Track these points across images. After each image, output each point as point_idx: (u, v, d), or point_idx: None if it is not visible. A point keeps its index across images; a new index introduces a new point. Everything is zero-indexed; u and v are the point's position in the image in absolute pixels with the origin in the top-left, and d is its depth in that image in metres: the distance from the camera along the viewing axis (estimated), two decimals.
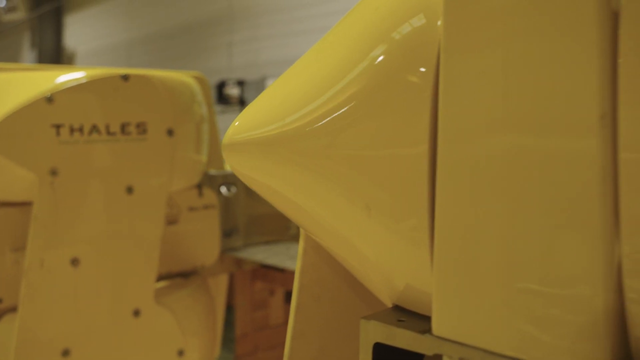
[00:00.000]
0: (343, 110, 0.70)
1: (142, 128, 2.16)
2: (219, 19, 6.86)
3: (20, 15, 9.13)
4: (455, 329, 0.61)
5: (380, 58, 0.66)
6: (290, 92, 0.79)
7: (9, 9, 8.94)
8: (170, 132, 2.21)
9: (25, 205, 2.11)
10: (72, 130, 2.04)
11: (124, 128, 2.14)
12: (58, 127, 2.02)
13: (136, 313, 2.22)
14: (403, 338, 0.67)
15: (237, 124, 0.87)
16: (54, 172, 2.02)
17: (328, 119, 0.71)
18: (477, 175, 0.57)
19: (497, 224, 0.56)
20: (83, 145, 2.07)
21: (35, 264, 2.00)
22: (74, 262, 2.08)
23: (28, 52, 10.30)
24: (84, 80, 2.07)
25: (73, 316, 2.08)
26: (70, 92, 2.04)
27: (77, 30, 9.76)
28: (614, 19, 0.47)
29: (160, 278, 2.44)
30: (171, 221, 2.55)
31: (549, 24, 0.51)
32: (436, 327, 0.63)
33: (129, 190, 2.16)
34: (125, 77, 2.13)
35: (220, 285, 3.00)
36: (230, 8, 6.80)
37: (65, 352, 2.07)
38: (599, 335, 0.50)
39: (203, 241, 2.65)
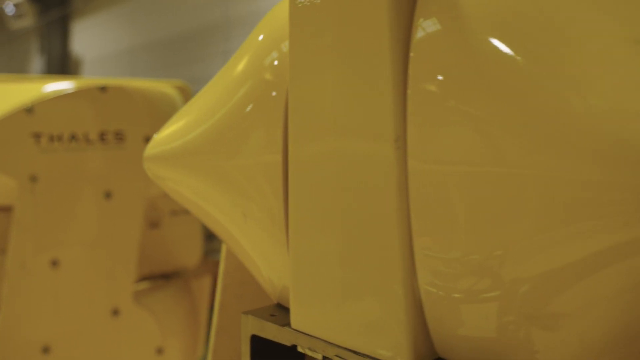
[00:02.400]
0: (220, 129, 0.81)
1: (120, 136, 2.27)
2: (216, 27, 7.03)
3: (28, 22, 9.35)
4: (306, 323, 0.71)
5: (248, 88, 0.77)
6: (192, 113, 0.90)
7: (18, 16, 9.17)
8: (148, 140, 2.32)
9: (7, 210, 2.23)
10: (51, 139, 2.16)
11: (102, 136, 2.25)
12: (38, 136, 2.14)
13: (115, 312, 2.33)
14: (270, 330, 0.77)
15: (155, 137, 0.98)
16: (34, 179, 2.14)
17: (211, 136, 0.82)
18: (312, 178, 0.67)
19: (328, 224, 0.66)
20: (63, 153, 2.19)
21: (16, 265, 2.13)
22: (54, 263, 2.20)
23: (37, 59, 10.53)
24: (63, 92, 2.20)
25: (53, 315, 2.20)
26: (49, 103, 2.16)
27: (84, 38, 9.96)
28: (405, 63, 0.57)
29: (142, 279, 2.55)
30: (153, 224, 2.66)
31: (361, 63, 0.60)
32: (293, 321, 0.73)
33: (108, 195, 2.28)
34: (103, 89, 2.25)
35: (204, 287, 3.10)
36: (226, 17, 6.98)
37: (45, 349, 2.18)
38: (404, 330, 0.60)
39: (185, 244, 2.75)
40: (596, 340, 0.50)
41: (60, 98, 2.20)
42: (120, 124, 2.28)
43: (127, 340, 2.36)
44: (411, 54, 0.57)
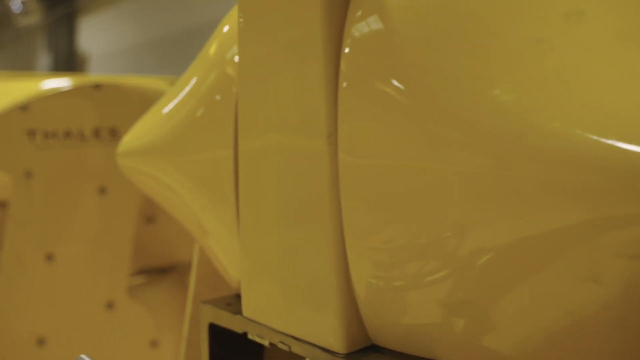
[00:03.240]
0: (181, 127, 0.84)
1: (114, 133, 2.32)
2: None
3: (35, 19, 9.44)
4: (255, 311, 0.75)
5: (206, 88, 0.81)
6: (159, 111, 0.94)
7: (25, 13, 9.25)
8: None
9: (3, 205, 2.28)
10: (46, 135, 2.21)
11: (96, 133, 2.30)
12: (33, 133, 2.19)
13: (109, 305, 2.37)
14: (223, 318, 0.80)
15: (127, 134, 1.03)
16: (29, 175, 2.18)
17: (173, 134, 0.86)
18: (258, 172, 0.70)
19: (271, 217, 0.70)
20: (57, 149, 2.24)
21: (12, 259, 2.18)
22: (49, 258, 2.25)
23: (44, 56, 10.63)
24: (57, 90, 2.25)
25: (48, 308, 2.25)
26: (44, 100, 2.21)
27: (90, 35, 10.04)
28: (337, 66, 0.61)
29: (138, 273, 2.60)
30: (149, 219, 2.70)
31: (298, 65, 0.64)
32: (244, 310, 0.77)
33: (102, 191, 2.32)
34: (98, 86, 2.29)
35: None
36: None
37: (40, 341, 2.24)
38: (338, 318, 0.63)
39: (180, 239, 2.79)
40: (512, 329, 0.53)
41: (55, 96, 2.25)
42: (115, 121, 2.32)
43: (121, 333, 2.41)
44: (342, 58, 0.60)
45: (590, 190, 0.41)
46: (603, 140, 0.41)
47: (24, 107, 2.17)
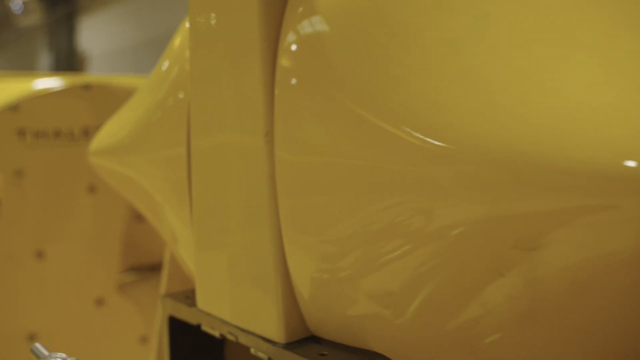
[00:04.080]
0: (142, 127, 0.88)
1: None
2: None
3: (35, 19, 9.49)
4: (208, 304, 0.78)
5: (165, 88, 0.85)
6: (123, 113, 0.98)
7: (25, 13, 9.30)
8: None
9: None
10: (36, 135, 2.25)
11: (86, 132, 2.33)
12: (23, 132, 2.23)
13: (99, 302, 2.41)
14: (180, 311, 0.84)
15: (97, 135, 1.06)
16: (19, 174, 2.22)
17: (135, 134, 0.90)
18: (207, 169, 0.74)
19: (218, 213, 0.73)
20: (47, 149, 2.28)
21: (2, 256, 2.22)
22: (40, 255, 2.29)
23: (45, 56, 10.67)
24: (47, 90, 2.29)
25: (38, 304, 2.29)
26: (34, 101, 2.25)
27: (90, 34, 10.09)
28: (273, 69, 0.64)
29: (128, 270, 2.64)
30: (140, 217, 2.74)
31: (239, 69, 0.67)
32: (198, 302, 0.80)
33: (92, 189, 2.36)
34: (87, 87, 2.33)
35: None
36: None
37: (31, 337, 2.28)
38: (277, 310, 0.67)
39: None
40: (430, 319, 0.56)
41: (45, 96, 2.29)
42: (104, 121, 2.34)
43: (111, 329, 2.45)
44: (277, 64, 0.64)
45: (489, 186, 0.44)
46: (501, 136, 0.44)
47: (14, 107, 2.21)
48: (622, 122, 0.39)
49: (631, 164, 0.38)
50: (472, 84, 0.46)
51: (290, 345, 0.66)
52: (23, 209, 2.24)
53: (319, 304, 0.65)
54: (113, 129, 1.00)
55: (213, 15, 0.71)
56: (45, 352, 0.67)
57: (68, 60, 10.37)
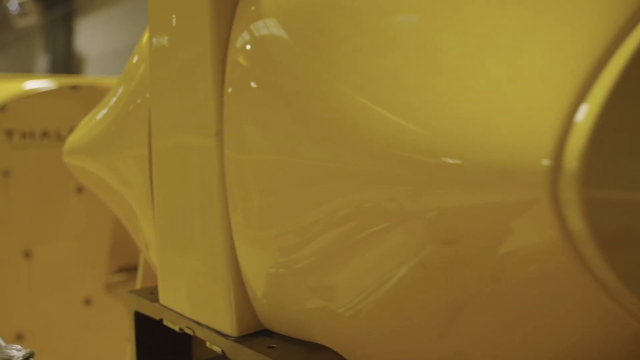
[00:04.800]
0: (110, 127, 0.91)
1: None
2: None
3: (32, 20, 9.52)
4: (169, 299, 0.80)
5: (131, 90, 0.87)
6: (95, 114, 1.00)
7: (22, 14, 9.34)
8: None
9: None
10: (23, 135, 2.27)
11: None
12: (10, 133, 2.24)
13: (87, 302, 2.43)
14: (144, 307, 0.86)
15: (71, 136, 1.08)
16: (7, 174, 2.24)
17: (104, 134, 0.92)
18: (166, 168, 0.76)
19: (175, 210, 0.75)
20: (35, 149, 2.30)
21: None
22: (27, 254, 2.30)
23: (42, 57, 10.71)
24: (35, 91, 2.30)
25: (26, 303, 2.31)
26: (21, 101, 2.27)
27: (87, 35, 10.12)
28: (223, 73, 0.66)
29: (118, 271, 2.66)
30: None
31: (193, 73, 0.69)
32: (160, 298, 0.82)
33: (80, 190, 2.38)
34: (75, 87, 2.35)
35: None
36: None
37: (19, 336, 2.29)
38: (229, 304, 0.69)
39: None
40: (366, 313, 0.58)
41: (32, 97, 2.30)
42: None
43: (99, 329, 2.47)
44: (227, 67, 0.66)
45: (407, 182, 0.46)
46: (418, 134, 0.46)
47: (1, 108, 2.23)
48: (532, 119, 0.41)
49: (543, 160, 0.39)
50: (395, 85, 0.48)
51: (241, 339, 0.68)
52: (10, 210, 2.26)
53: (269, 299, 0.67)
54: (85, 131, 1.02)
55: (169, 17, 0.73)
56: (2, 343, 0.68)
57: (65, 61, 10.39)
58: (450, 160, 0.44)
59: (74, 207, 2.37)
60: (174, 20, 0.72)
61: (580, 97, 0.40)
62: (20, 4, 9.40)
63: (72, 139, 1.06)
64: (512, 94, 0.42)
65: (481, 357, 0.56)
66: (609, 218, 0.41)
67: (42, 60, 11.00)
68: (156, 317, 0.83)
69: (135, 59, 0.89)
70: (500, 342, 0.54)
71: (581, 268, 0.41)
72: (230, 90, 0.65)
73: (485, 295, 0.49)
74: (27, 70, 11.66)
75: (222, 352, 0.70)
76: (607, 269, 0.41)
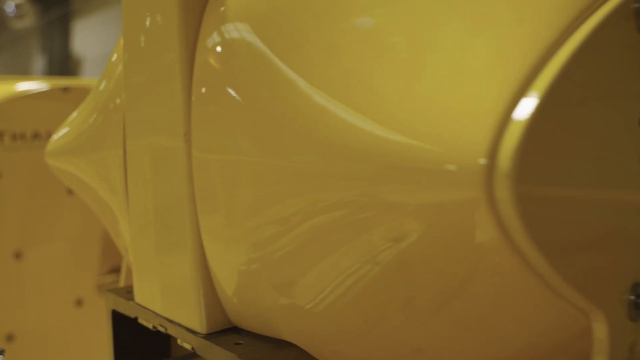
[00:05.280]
0: (89, 128, 0.92)
1: None
2: None
3: (29, 22, 9.53)
4: (143, 298, 0.82)
5: (109, 93, 0.89)
6: (75, 117, 1.02)
7: (19, 16, 9.35)
8: None
9: None
10: (14, 137, 2.28)
11: None
12: (1, 135, 2.26)
13: (78, 302, 2.44)
14: (121, 305, 0.87)
15: (53, 137, 1.10)
16: None
17: (84, 135, 0.94)
18: (139, 168, 0.77)
19: (148, 209, 0.76)
20: (26, 151, 2.31)
21: None
22: (18, 255, 2.31)
23: (39, 59, 10.72)
24: (26, 93, 2.32)
25: (17, 304, 2.32)
26: (12, 103, 2.28)
27: (84, 37, 10.13)
28: (191, 77, 0.67)
29: (110, 271, 2.67)
30: None
31: (162, 77, 0.71)
32: (136, 296, 0.84)
33: (70, 191, 2.39)
34: (66, 89, 2.37)
35: None
36: None
37: (9, 337, 2.30)
38: (199, 302, 0.70)
39: None
40: (326, 309, 0.59)
41: (23, 98, 2.32)
42: None
43: (90, 330, 2.48)
44: (195, 69, 0.67)
45: (357, 180, 0.48)
46: (368, 134, 0.47)
47: None
48: (472, 119, 0.42)
49: (480, 160, 0.41)
50: (346, 87, 0.50)
51: (210, 336, 0.70)
52: (1, 211, 2.27)
53: (237, 297, 0.68)
54: (66, 130, 1.03)
55: (142, 20, 0.74)
56: None
57: (62, 63, 10.40)
58: (394, 160, 0.45)
59: (65, 208, 2.39)
60: (145, 23, 0.73)
61: (518, 98, 0.41)
62: (17, 6, 9.41)
63: (54, 140, 1.08)
64: (454, 95, 0.44)
65: (440, 352, 0.58)
66: (546, 214, 0.43)
67: (39, 62, 11.01)
68: (132, 315, 0.84)
69: (114, 58, 0.91)
70: (456, 338, 0.55)
71: (521, 264, 0.43)
72: (197, 92, 0.66)
73: (437, 292, 0.50)
74: (24, 72, 11.67)
75: (192, 348, 0.71)
76: (545, 264, 0.43)
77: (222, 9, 0.65)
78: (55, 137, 1.08)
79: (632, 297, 0.53)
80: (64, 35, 10.42)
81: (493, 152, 0.39)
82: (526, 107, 0.40)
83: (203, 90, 0.65)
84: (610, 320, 0.50)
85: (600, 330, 0.50)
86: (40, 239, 2.34)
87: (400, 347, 0.58)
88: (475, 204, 0.40)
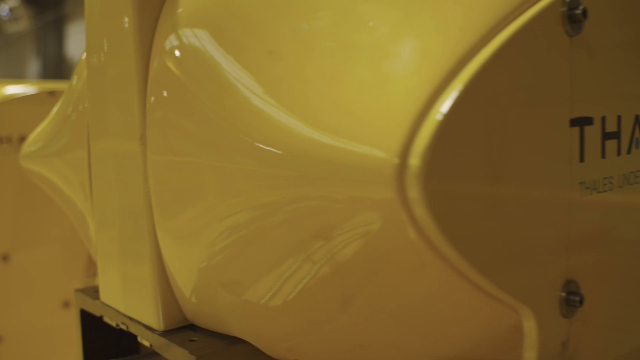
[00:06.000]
0: (56, 131, 0.94)
1: None
2: None
3: (23, 25, 9.55)
4: (108, 296, 0.83)
5: (76, 96, 0.90)
6: (48, 120, 1.04)
7: (13, 19, 9.37)
8: None
9: None
10: (0, 140, 2.30)
11: None
12: None
13: (65, 305, 2.45)
14: (88, 304, 0.89)
15: (27, 140, 1.11)
16: None
17: (50, 138, 0.96)
18: (101, 170, 0.79)
19: (110, 211, 0.78)
20: (12, 154, 2.32)
21: None
22: (5, 257, 2.33)
23: (33, 62, 10.74)
24: (11, 96, 2.33)
25: (4, 306, 2.33)
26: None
27: (78, 40, 10.15)
28: (146, 82, 0.69)
29: (95, 274, 2.68)
30: None
31: (120, 81, 0.72)
32: (101, 295, 0.85)
33: None
34: (52, 93, 2.38)
35: None
36: None
37: None
38: (155, 300, 0.72)
39: None
40: (274, 308, 0.60)
41: (10, 102, 2.33)
42: None
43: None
44: (149, 74, 0.69)
45: (288, 181, 0.50)
46: (295, 136, 0.49)
47: None
48: (390, 121, 0.44)
49: (394, 160, 0.42)
50: (278, 91, 0.52)
51: (167, 333, 0.71)
52: None
53: (191, 295, 0.70)
54: (38, 135, 1.05)
55: (103, 22, 0.76)
56: None
57: (56, 66, 10.41)
58: (319, 162, 0.47)
59: (52, 211, 2.40)
60: (104, 26, 0.75)
61: (434, 99, 0.43)
62: (11, 9, 9.43)
63: (27, 143, 1.09)
64: (376, 98, 0.45)
65: (381, 348, 0.59)
66: (465, 212, 0.44)
67: (33, 65, 11.02)
68: (97, 313, 0.86)
69: (84, 56, 0.92)
70: (395, 334, 0.57)
71: (440, 262, 0.45)
72: (151, 95, 0.68)
73: (368, 288, 0.52)
74: (18, 75, 11.67)
75: (151, 345, 0.73)
76: (462, 261, 0.44)
77: (174, 15, 0.67)
78: (30, 138, 1.09)
79: (564, 294, 0.55)
80: (58, 39, 10.43)
81: (406, 152, 0.41)
82: (441, 108, 0.42)
83: (156, 93, 0.67)
84: (538, 316, 0.51)
85: (528, 326, 0.52)
86: (27, 242, 2.36)
87: (345, 344, 0.60)
88: (391, 203, 0.42)
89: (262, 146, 0.51)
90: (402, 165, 0.41)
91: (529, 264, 0.51)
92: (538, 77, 0.51)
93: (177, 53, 0.65)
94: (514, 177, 0.48)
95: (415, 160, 0.41)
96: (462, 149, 0.43)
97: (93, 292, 0.91)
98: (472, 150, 0.44)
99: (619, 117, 0.61)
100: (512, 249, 0.50)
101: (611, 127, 0.60)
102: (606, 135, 0.59)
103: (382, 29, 0.48)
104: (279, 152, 0.49)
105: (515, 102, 0.49)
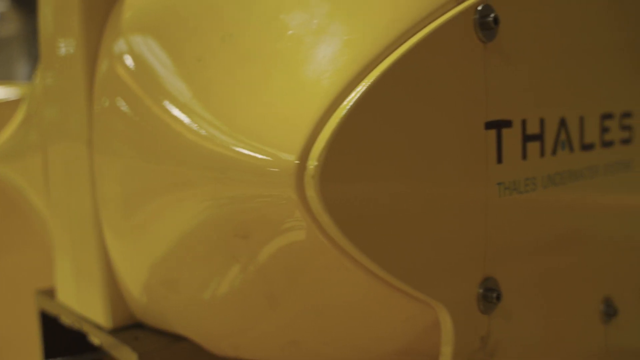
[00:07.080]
0: (13, 134, 0.96)
1: None
2: None
3: (13, 28, 9.55)
4: (64, 296, 0.85)
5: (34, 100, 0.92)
6: (12, 122, 1.06)
7: (2, 22, 9.39)
8: None
9: None
10: None
11: None
12: None
13: None
14: (46, 304, 0.91)
15: None
16: None
17: (12, 141, 0.98)
18: (56, 176, 0.81)
19: (63, 214, 0.80)
20: None
21: None
22: None
23: (23, 65, 10.75)
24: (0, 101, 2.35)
25: None
26: None
27: None
28: (92, 89, 0.71)
29: None
30: None
31: (67, 85, 0.75)
32: (59, 295, 0.87)
33: None
34: None
35: None
36: None
37: None
38: (103, 300, 0.74)
39: None
40: (209, 306, 0.63)
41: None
42: None
43: None
44: (96, 79, 0.71)
45: (207, 182, 0.52)
46: (213, 139, 0.51)
47: None
48: (296, 126, 0.46)
49: (295, 160, 0.45)
50: (206, 97, 0.54)
51: (114, 331, 0.73)
52: None
53: (137, 293, 0.72)
54: (5, 137, 1.07)
55: (51, 25, 0.78)
56: None
57: None
58: (232, 163, 0.50)
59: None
60: (54, 29, 0.77)
61: (337, 102, 0.45)
62: (1, 13, 9.43)
63: None
64: (288, 104, 0.48)
65: (313, 344, 0.62)
66: (368, 212, 0.46)
67: (22, 68, 11.02)
68: (55, 313, 0.88)
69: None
70: (322, 331, 0.59)
71: (345, 260, 0.47)
72: (99, 99, 0.70)
73: (290, 287, 0.54)
74: (8, 78, 11.65)
75: (101, 343, 0.75)
76: (366, 260, 0.47)
77: (120, 19, 0.69)
78: None
79: (481, 291, 0.57)
80: None
81: (305, 154, 0.43)
82: (342, 112, 0.44)
83: (102, 97, 0.69)
84: (453, 312, 0.54)
85: (444, 321, 0.54)
86: (17, 246, 2.37)
87: (279, 340, 0.62)
88: (292, 203, 0.44)
89: (185, 148, 0.53)
90: (302, 167, 0.43)
91: (442, 261, 0.54)
92: (450, 82, 0.53)
93: (121, 57, 0.67)
94: (422, 177, 0.50)
95: (312, 161, 0.43)
96: (363, 150, 0.46)
97: (52, 292, 0.93)
98: (374, 151, 0.46)
99: (542, 120, 0.63)
100: (423, 247, 0.52)
101: (533, 129, 0.62)
102: (527, 138, 0.61)
103: (300, 37, 0.51)
104: (199, 153, 0.52)
105: (424, 105, 0.51)
